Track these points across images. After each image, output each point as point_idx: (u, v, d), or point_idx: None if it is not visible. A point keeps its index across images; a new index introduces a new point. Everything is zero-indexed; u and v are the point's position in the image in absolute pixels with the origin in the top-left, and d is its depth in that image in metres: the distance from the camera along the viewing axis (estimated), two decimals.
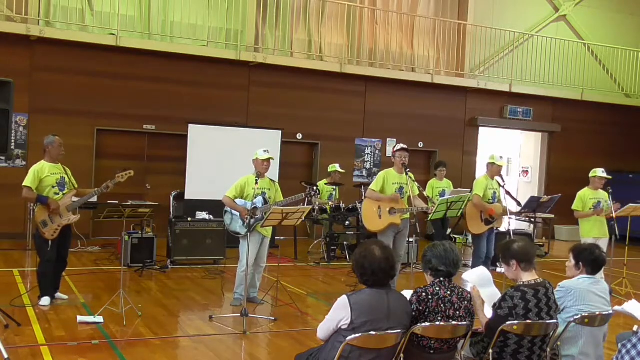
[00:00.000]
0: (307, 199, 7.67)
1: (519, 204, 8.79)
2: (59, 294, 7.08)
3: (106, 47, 11.46)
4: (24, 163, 11.16)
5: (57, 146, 6.89)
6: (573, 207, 8.81)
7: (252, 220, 6.92)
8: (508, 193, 8.38)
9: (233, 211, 7.24)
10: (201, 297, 7.76)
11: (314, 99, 13.43)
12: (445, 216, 8.67)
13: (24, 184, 6.75)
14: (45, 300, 6.83)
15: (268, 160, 7.13)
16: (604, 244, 8.48)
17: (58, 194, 6.81)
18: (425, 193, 9.04)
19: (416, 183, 7.86)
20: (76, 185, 7.07)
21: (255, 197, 7.05)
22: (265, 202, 7.19)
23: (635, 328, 3.18)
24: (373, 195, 7.73)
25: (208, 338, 6.10)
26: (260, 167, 7.12)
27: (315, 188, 7.67)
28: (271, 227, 7.19)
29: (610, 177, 8.87)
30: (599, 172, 8.83)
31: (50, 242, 6.79)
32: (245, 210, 7.03)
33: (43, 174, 6.77)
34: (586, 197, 8.74)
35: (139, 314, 6.58)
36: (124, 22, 11.66)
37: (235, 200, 7.17)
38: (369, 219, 7.82)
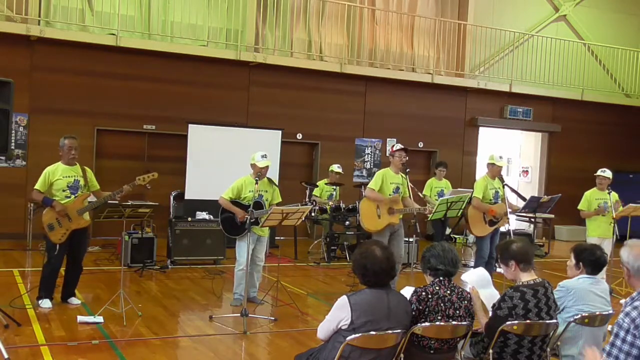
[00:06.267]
0: None
1: (523, 199, 8.82)
2: (72, 299, 7.00)
3: (106, 47, 11.46)
4: (24, 163, 11.17)
5: (66, 150, 6.78)
6: (579, 207, 8.93)
7: (248, 223, 6.88)
8: (512, 190, 8.39)
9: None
10: (201, 297, 7.76)
11: (314, 99, 13.43)
12: (445, 216, 8.67)
13: (34, 187, 6.72)
14: (46, 303, 6.75)
15: (266, 167, 7.12)
16: (608, 244, 8.54)
17: (69, 197, 6.72)
18: (420, 193, 9.07)
19: (411, 184, 7.86)
20: (97, 187, 6.97)
21: (253, 200, 7.04)
22: (262, 205, 7.15)
23: (609, 327, 3.22)
24: (373, 195, 7.72)
25: (208, 338, 6.10)
26: (258, 173, 7.09)
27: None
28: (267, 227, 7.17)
29: (608, 176, 8.90)
30: (599, 172, 8.98)
31: (57, 246, 6.71)
32: (241, 212, 7.03)
33: (54, 176, 6.69)
34: (592, 198, 8.88)
35: (139, 314, 6.58)
36: (124, 22, 11.66)
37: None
38: (367, 218, 7.80)
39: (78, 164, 6.89)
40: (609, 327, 3.25)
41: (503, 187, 8.44)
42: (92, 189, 6.94)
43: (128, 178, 7.08)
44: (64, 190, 6.71)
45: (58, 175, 6.71)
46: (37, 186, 6.71)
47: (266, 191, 7.26)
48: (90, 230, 11.26)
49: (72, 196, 6.74)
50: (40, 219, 6.79)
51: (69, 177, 6.75)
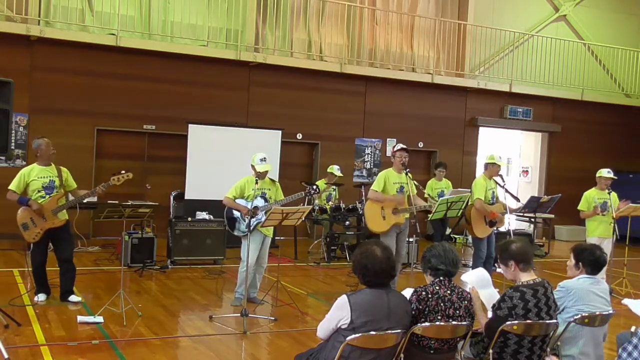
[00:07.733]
0: (307, 197, 7.69)
1: (518, 200, 8.80)
2: (71, 297, 7.04)
3: (106, 47, 11.46)
4: (24, 163, 11.14)
5: (45, 147, 6.84)
6: (579, 207, 8.88)
7: (253, 220, 6.92)
8: (507, 191, 8.39)
9: (235, 212, 7.25)
10: (201, 297, 7.76)
11: (314, 99, 13.43)
12: (445, 216, 8.67)
13: (8, 187, 6.80)
14: (39, 297, 6.95)
15: (266, 172, 7.13)
16: (608, 243, 8.53)
17: (44, 197, 6.79)
18: (425, 193, 9.08)
19: (414, 182, 7.86)
20: (74, 186, 7.02)
21: (256, 198, 7.06)
22: (266, 201, 7.19)
23: (632, 328, 3.19)
24: (376, 196, 7.71)
25: (208, 338, 6.10)
26: (257, 175, 7.11)
27: (315, 187, 7.66)
28: (272, 227, 7.19)
29: (615, 177, 8.87)
30: (604, 173, 8.90)
31: (32, 245, 6.92)
32: (246, 209, 7.04)
33: (30, 177, 6.78)
34: (591, 197, 8.83)
35: (139, 314, 6.59)
36: (124, 22, 11.66)
37: (236, 201, 7.19)
38: (372, 220, 7.79)
39: (53, 164, 6.95)
40: (633, 329, 3.21)
41: (497, 187, 8.43)
42: (69, 189, 6.99)
43: None
44: (39, 191, 6.79)
45: (33, 176, 6.79)
46: (11, 187, 6.79)
47: (269, 189, 7.28)
48: (90, 230, 11.40)
49: (47, 196, 6.81)
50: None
51: (44, 177, 6.82)
